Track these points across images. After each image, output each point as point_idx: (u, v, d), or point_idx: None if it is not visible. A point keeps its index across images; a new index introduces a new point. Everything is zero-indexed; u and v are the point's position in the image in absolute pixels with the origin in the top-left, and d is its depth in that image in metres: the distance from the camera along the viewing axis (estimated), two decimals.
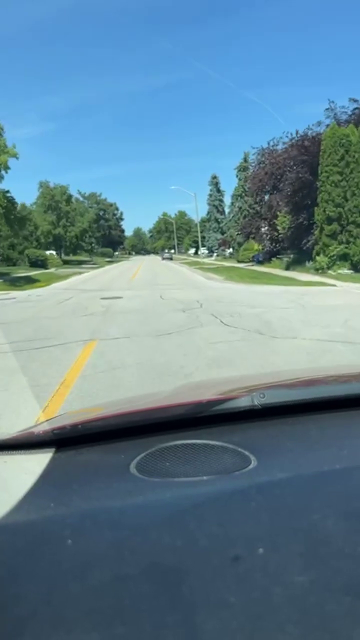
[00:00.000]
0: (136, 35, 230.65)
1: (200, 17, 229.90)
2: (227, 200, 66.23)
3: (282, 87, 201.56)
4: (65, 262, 56.95)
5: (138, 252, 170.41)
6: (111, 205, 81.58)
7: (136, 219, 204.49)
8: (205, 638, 0.43)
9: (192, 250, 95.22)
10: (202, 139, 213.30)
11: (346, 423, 0.98)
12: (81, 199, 78.14)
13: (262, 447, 0.83)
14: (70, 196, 56.05)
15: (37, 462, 0.83)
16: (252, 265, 34.11)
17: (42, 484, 0.75)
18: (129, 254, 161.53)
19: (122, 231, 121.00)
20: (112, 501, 0.69)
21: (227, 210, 69.90)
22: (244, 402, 0.93)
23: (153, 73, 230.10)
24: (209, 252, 71.83)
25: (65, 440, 0.89)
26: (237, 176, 55.08)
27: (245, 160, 54.31)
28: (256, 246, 40.11)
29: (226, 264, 39.42)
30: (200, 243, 48.52)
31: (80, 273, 32.63)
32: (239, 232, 35.70)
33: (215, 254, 63.02)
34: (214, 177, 68.84)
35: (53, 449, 0.88)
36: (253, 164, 33.64)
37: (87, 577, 0.52)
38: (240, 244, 55.67)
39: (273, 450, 0.85)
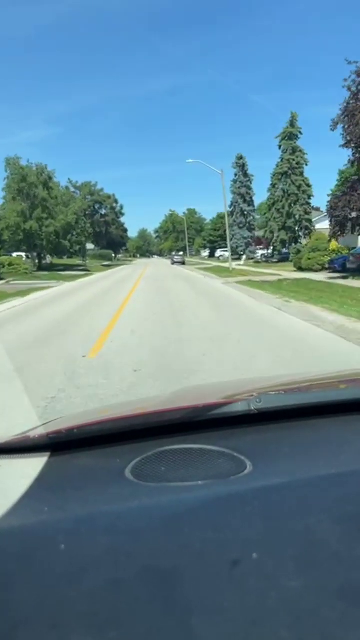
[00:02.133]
0: (141, 39, 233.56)
1: (205, 21, 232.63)
2: (257, 187, 50.82)
3: (289, 92, 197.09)
4: (47, 268, 42.03)
5: (143, 255, 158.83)
6: (109, 197, 66.28)
7: (141, 223, 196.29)
8: None
9: (206, 253, 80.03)
10: (208, 142, 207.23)
11: (342, 428, 0.97)
12: (72, 189, 63.23)
13: (258, 452, 0.83)
14: (49, 178, 40.78)
15: (32, 466, 0.83)
16: (348, 278, 18.62)
17: (37, 488, 0.74)
18: (133, 256, 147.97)
19: (125, 231, 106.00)
20: (107, 506, 0.69)
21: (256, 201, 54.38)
22: (240, 407, 0.93)
23: (159, 76, 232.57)
24: (231, 254, 56.31)
25: (60, 444, 0.89)
26: (279, 147, 39.44)
27: (292, 124, 38.71)
28: (334, 245, 24.55)
29: (284, 272, 24.10)
30: (229, 242, 32.97)
31: (28, 293, 17.34)
32: (332, 223, 19.19)
33: (244, 257, 47.52)
34: (240, 158, 53.35)
35: (48, 453, 0.87)
36: (349, 93, 17.92)
37: (81, 581, 0.52)
38: (285, 243, 40.26)
39: (269, 455, 0.84)
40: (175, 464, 0.79)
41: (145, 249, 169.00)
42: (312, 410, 0.99)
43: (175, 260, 55.45)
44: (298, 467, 0.79)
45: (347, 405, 1.01)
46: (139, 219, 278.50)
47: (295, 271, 25.56)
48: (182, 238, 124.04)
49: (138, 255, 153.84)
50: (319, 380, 1.40)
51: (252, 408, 0.92)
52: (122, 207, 70.06)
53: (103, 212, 65.64)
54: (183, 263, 53.87)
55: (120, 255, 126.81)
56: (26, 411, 3.46)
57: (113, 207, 66.68)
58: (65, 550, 0.57)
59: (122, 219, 78.65)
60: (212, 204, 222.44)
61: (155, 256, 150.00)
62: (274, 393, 1.11)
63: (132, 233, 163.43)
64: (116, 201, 67.92)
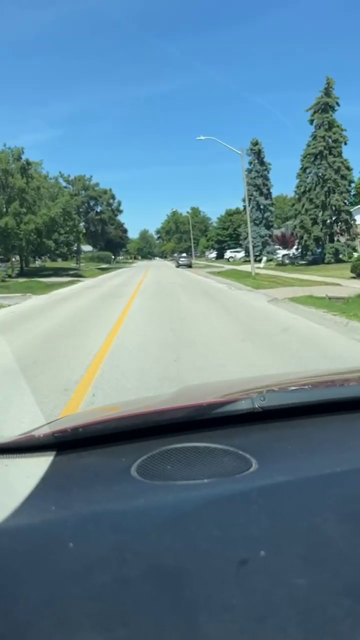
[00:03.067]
0: (142, 41, 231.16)
1: (205, 23, 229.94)
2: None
3: (289, 91, 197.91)
4: (32, 273, 34.86)
5: (144, 257, 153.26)
6: (105, 192, 58.75)
7: (143, 224, 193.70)
8: None
9: (212, 254, 72.84)
10: (210, 143, 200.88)
11: (347, 426, 0.97)
12: (63, 183, 56.07)
13: (263, 450, 0.83)
14: (27, 164, 33.47)
15: (38, 465, 0.83)
16: None
17: (44, 487, 0.74)
18: (134, 258, 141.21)
19: (124, 231, 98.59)
20: (113, 504, 0.69)
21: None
22: (244, 405, 0.93)
23: (160, 78, 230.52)
24: (245, 255, 48.75)
25: (66, 443, 0.89)
26: (311, 122, 31.89)
27: (328, 93, 31.20)
28: None
29: (341, 280, 16.81)
30: (250, 239, 25.48)
31: None
32: None
33: (264, 258, 40.06)
34: (255, 144, 45.93)
35: (54, 452, 0.88)
36: None
37: (88, 579, 0.52)
38: (319, 240, 32.88)
39: (274, 453, 0.84)
40: (181, 462, 0.79)
41: (146, 250, 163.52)
42: (316, 408, 0.98)
43: (180, 262, 47.92)
44: (303, 465, 0.78)
45: (352, 403, 0.99)
46: (140, 221, 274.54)
47: (354, 278, 18.20)
48: (186, 239, 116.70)
49: (139, 257, 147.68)
50: (323, 377, 1.38)
51: (257, 406, 0.92)
52: (119, 204, 62.39)
53: (99, 209, 58.11)
54: (190, 266, 46.56)
55: (121, 257, 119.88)
56: None
57: (110, 203, 59.07)
58: (72, 548, 0.57)
59: (122, 219, 71.30)
60: (216, 205, 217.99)
61: (157, 258, 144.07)
62: (278, 391, 1.10)
63: (133, 234, 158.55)
64: (113, 197, 60.24)
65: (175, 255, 57.91)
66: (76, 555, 0.56)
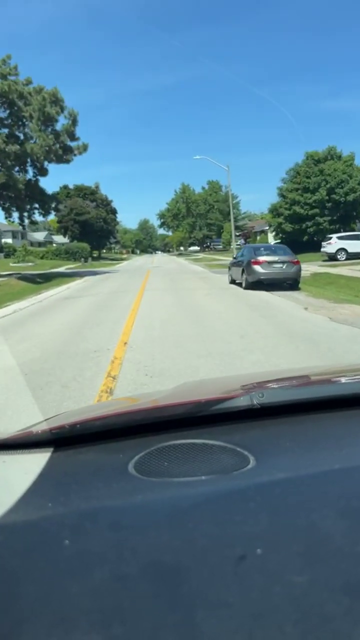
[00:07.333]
0: (145, 33, 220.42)
1: (209, 16, 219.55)
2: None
3: (292, 85, 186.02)
4: None
5: (144, 250, 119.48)
6: (54, 98, 23.58)
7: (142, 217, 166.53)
8: (204, 638, 0.43)
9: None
10: (212, 136, 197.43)
11: (345, 422, 0.97)
12: None
13: (261, 446, 0.83)
14: None
15: (36, 461, 0.83)
16: None
17: (41, 483, 0.75)
18: (132, 252, 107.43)
19: (111, 212, 64.11)
20: (110, 501, 0.70)
21: None
22: (242, 402, 0.93)
23: (163, 71, 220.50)
24: None
25: (63, 439, 0.89)
26: None
27: None
28: None
29: None
30: None
31: None
32: None
33: None
34: None
35: (52, 449, 0.88)
36: None
37: (85, 577, 0.52)
38: None
39: (272, 450, 0.85)
40: (178, 459, 0.79)
41: (146, 242, 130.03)
42: (315, 405, 0.98)
43: (271, 273, 12.12)
44: (301, 461, 0.79)
45: (351, 400, 1.00)
46: (139, 215, 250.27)
47: None
48: (201, 226, 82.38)
49: (137, 252, 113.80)
50: (321, 374, 1.39)
51: (255, 403, 0.92)
52: (86, 147, 25.86)
53: (27, 131, 23.38)
54: (297, 282, 11.94)
55: (115, 250, 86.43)
56: None
57: (53, 127, 23.73)
58: (69, 545, 0.57)
59: (113, 201, 36.38)
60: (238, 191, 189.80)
61: (159, 252, 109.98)
62: (276, 387, 1.11)
63: (132, 225, 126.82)
64: (63, 110, 24.48)
65: (241, 244, 20.56)
66: (73, 552, 0.56)
